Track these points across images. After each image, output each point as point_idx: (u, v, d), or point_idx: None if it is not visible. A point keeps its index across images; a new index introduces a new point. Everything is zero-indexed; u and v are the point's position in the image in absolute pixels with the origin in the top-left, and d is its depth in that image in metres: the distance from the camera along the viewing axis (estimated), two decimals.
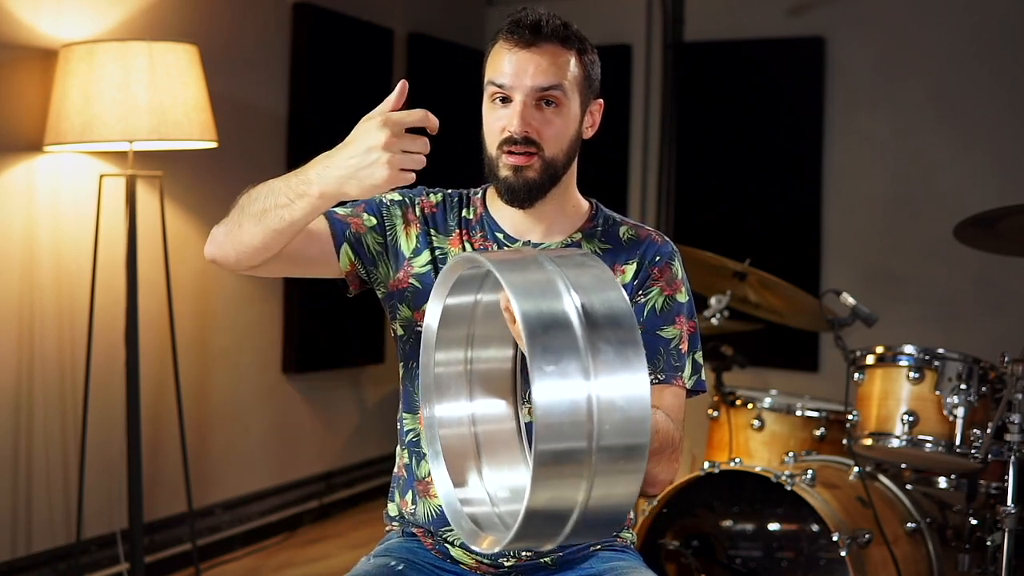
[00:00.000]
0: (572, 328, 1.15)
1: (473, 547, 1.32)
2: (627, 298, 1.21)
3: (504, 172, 1.66)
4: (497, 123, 1.66)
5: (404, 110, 1.49)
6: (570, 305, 1.17)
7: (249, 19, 3.91)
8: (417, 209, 1.77)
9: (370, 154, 1.46)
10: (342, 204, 1.68)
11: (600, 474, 1.14)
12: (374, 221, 1.74)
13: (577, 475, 1.14)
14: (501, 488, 1.36)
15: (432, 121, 1.49)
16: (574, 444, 1.13)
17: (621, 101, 5.07)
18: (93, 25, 3.24)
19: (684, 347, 1.71)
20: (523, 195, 1.66)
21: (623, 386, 1.15)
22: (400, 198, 1.77)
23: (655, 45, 5.00)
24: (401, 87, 1.51)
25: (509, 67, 1.64)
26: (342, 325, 4.34)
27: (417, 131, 1.48)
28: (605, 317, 1.17)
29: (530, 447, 1.21)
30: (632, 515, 1.81)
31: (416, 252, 1.75)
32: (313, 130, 4.14)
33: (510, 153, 1.64)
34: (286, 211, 1.55)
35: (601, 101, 1.75)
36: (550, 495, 1.15)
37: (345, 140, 1.51)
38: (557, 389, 1.13)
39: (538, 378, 1.12)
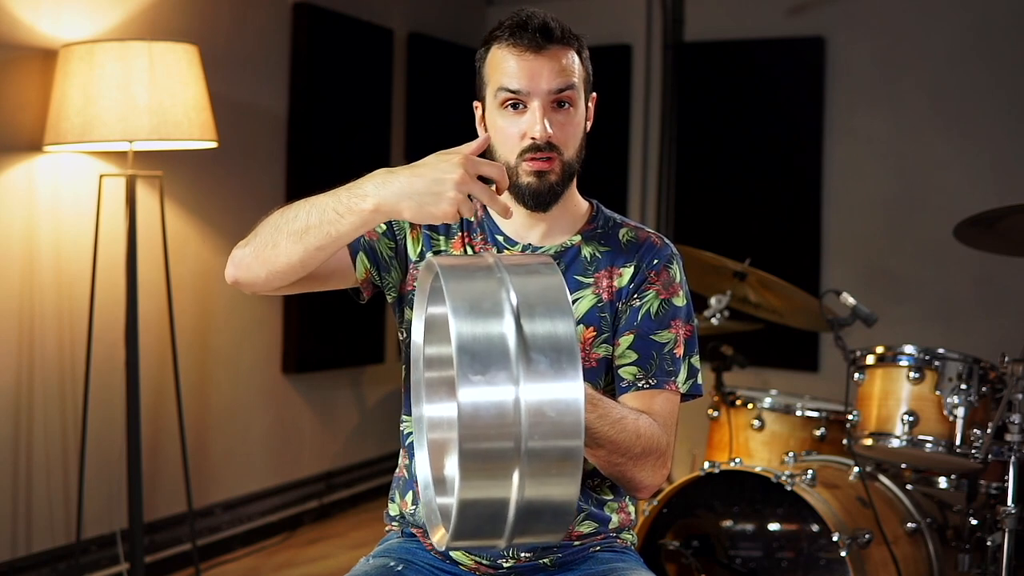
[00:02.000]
0: (504, 340, 1.19)
1: (431, 538, 1.34)
2: (571, 308, 1.23)
3: (527, 178, 1.66)
4: (514, 129, 1.65)
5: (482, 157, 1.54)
6: (508, 316, 1.20)
7: (249, 19, 3.91)
8: None
9: (441, 184, 1.47)
10: None
11: (531, 475, 1.18)
12: (384, 227, 1.75)
13: (505, 475, 1.18)
14: None
15: (505, 181, 1.52)
16: (500, 444, 1.17)
17: (621, 101, 5.08)
18: (93, 25, 3.24)
19: (679, 351, 1.71)
20: (548, 199, 1.67)
21: (553, 393, 1.18)
22: None
23: (655, 45, 5.00)
24: (484, 139, 1.56)
25: (522, 72, 1.63)
26: (342, 325, 4.34)
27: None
28: (543, 328, 1.20)
29: None
30: (633, 516, 1.80)
31: (421, 256, 1.75)
32: (313, 130, 4.14)
33: (534, 159, 1.64)
34: (333, 227, 1.54)
35: (595, 95, 1.76)
36: (480, 492, 1.18)
37: (413, 163, 1.51)
38: (482, 394, 1.16)
39: (463, 384, 1.16)
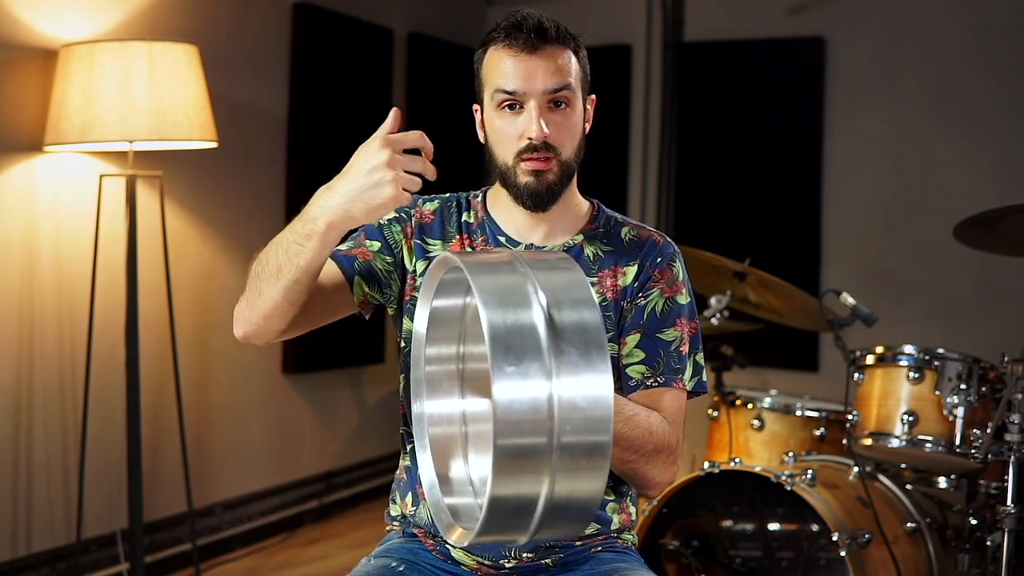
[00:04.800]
0: (536, 331, 1.19)
1: (446, 538, 1.34)
2: (596, 302, 1.23)
3: (525, 178, 1.66)
4: (511, 130, 1.65)
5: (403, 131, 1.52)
6: (537, 308, 1.20)
7: (249, 19, 3.91)
8: (413, 221, 1.77)
9: (374, 174, 1.47)
10: (344, 239, 1.70)
11: (562, 470, 1.18)
12: (378, 244, 1.75)
13: (538, 470, 1.18)
14: (485, 481, 1.38)
15: (428, 144, 1.52)
16: (534, 440, 1.17)
17: (621, 101, 5.08)
18: (93, 25, 3.24)
19: (685, 349, 1.71)
20: (546, 199, 1.67)
21: (585, 387, 1.18)
22: (396, 215, 1.78)
23: (655, 45, 5.00)
24: (394, 114, 1.53)
25: (517, 73, 1.63)
26: (342, 325, 4.32)
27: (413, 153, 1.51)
28: (572, 320, 1.20)
29: None
30: (634, 516, 1.80)
31: (415, 265, 1.75)
32: (313, 130, 4.14)
33: (531, 159, 1.65)
34: (299, 258, 1.55)
35: (594, 96, 1.76)
36: (511, 488, 1.18)
37: (343, 170, 1.52)
38: (518, 388, 1.16)
39: (498, 378, 1.15)
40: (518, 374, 1.16)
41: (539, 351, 1.17)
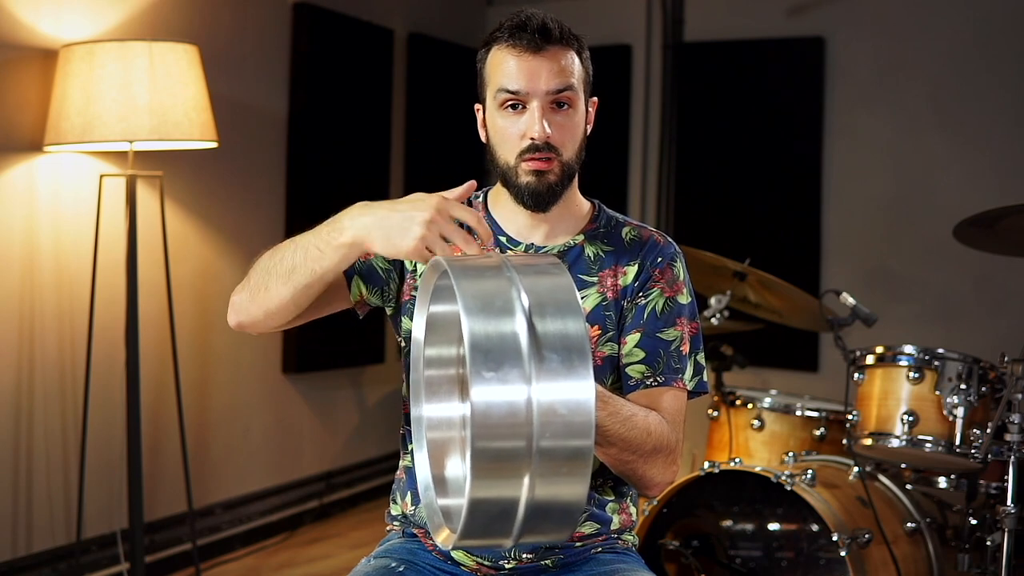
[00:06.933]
0: (517, 337, 1.19)
1: (435, 539, 1.34)
2: (582, 307, 1.24)
3: (526, 178, 1.66)
4: (513, 129, 1.65)
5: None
6: (519, 314, 1.20)
7: (249, 19, 3.91)
8: None
9: (410, 221, 1.46)
10: None
11: (542, 474, 1.18)
12: None
13: (517, 474, 1.18)
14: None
15: (484, 229, 1.48)
16: (512, 444, 1.17)
17: (621, 101, 5.08)
18: (93, 25, 3.24)
19: (685, 349, 1.71)
20: (547, 199, 1.67)
21: (565, 392, 1.18)
22: None
23: (655, 45, 5.00)
24: (469, 186, 1.54)
25: (521, 73, 1.63)
26: (342, 325, 4.33)
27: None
28: (554, 327, 1.20)
29: None
30: (634, 517, 1.80)
31: (414, 264, 1.75)
32: (313, 130, 4.13)
33: (532, 159, 1.64)
34: (317, 264, 1.55)
35: (596, 99, 1.76)
36: (491, 491, 1.19)
37: (393, 200, 1.52)
38: (496, 392, 1.16)
39: (476, 383, 1.16)
40: (497, 379, 1.16)
41: (519, 357, 1.18)
